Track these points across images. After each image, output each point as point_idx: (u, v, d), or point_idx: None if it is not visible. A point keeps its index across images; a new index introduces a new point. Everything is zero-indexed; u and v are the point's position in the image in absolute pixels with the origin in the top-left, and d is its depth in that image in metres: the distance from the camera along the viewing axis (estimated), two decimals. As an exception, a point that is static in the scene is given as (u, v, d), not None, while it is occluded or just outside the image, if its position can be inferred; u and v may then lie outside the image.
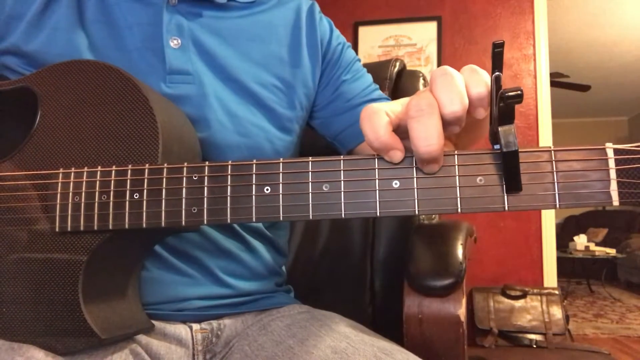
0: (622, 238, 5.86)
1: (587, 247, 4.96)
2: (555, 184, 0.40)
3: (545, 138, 2.81)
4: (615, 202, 0.39)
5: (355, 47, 3.06)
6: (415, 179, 0.42)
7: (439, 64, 2.94)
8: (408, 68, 1.18)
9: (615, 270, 5.88)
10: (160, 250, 0.62)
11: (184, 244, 0.64)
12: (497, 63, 0.39)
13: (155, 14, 0.65)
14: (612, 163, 0.39)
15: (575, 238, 5.13)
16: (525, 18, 2.91)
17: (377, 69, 1.15)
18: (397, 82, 1.13)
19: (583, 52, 5.21)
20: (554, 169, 0.40)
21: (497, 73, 0.39)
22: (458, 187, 0.41)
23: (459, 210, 0.40)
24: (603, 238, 6.11)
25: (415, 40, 3.00)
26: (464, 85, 0.41)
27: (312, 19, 0.78)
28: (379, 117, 0.42)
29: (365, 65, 0.85)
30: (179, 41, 0.65)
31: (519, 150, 0.39)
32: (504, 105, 0.38)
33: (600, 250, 4.97)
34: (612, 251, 4.95)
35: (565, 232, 6.10)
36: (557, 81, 4.70)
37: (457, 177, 0.41)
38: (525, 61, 2.88)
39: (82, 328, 0.48)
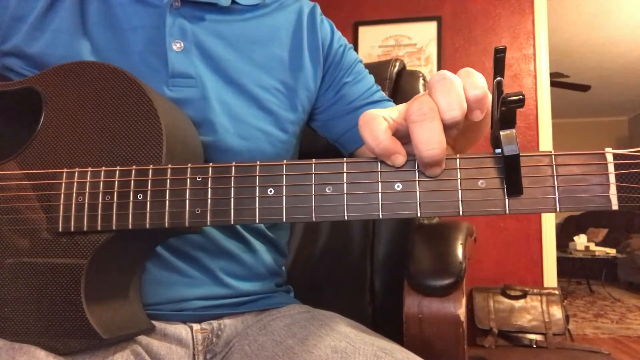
0: (622, 238, 5.86)
1: (587, 247, 4.96)
2: (556, 187, 0.40)
3: (545, 138, 2.81)
4: (615, 206, 0.40)
5: (355, 47, 3.06)
6: (417, 181, 0.42)
7: (439, 64, 2.94)
8: (408, 68, 1.18)
9: (615, 270, 5.88)
10: (161, 251, 0.63)
11: (184, 244, 0.64)
12: (498, 68, 0.39)
13: (158, 17, 0.65)
14: (611, 168, 0.40)
15: (575, 238, 5.13)
16: (525, 18, 2.91)
17: (377, 69, 1.15)
18: (397, 82, 1.13)
19: (583, 52, 5.21)
20: (555, 173, 0.40)
21: (498, 78, 0.39)
22: (460, 190, 0.41)
23: (461, 213, 0.41)
24: (603, 238, 6.11)
25: (415, 40, 3.00)
26: (462, 90, 0.41)
27: (313, 21, 0.78)
28: (377, 122, 0.42)
29: (365, 66, 0.85)
30: (182, 44, 0.65)
31: (520, 154, 0.40)
32: (506, 109, 0.38)
33: (600, 250, 4.97)
34: (612, 251, 4.95)
35: (565, 232, 6.10)
36: (557, 81, 4.69)
37: (459, 180, 0.41)
38: (525, 61, 2.88)
39: (84, 328, 0.48)
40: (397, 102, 1.12)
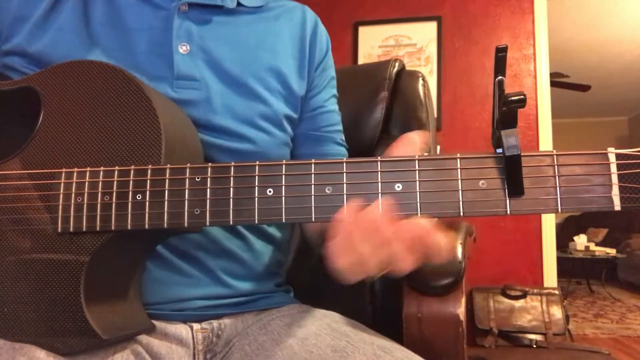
0: (622, 238, 5.86)
1: (587, 247, 4.96)
2: (557, 188, 0.40)
3: (545, 138, 2.81)
4: (617, 207, 0.39)
5: (355, 47, 3.06)
6: (417, 182, 0.42)
7: (439, 64, 2.94)
8: (408, 68, 1.18)
9: (615, 270, 5.88)
10: (162, 251, 0.62)
11: (185, 244, 0.64)
12: (500, 67, 0.39)
13: (165, 19, 0.66)
14: (614, 168, 0.39)
15: (575, 238, 5.12)
16: (525, 18, 2.91)
17: (376, 69, 1.16)
18: (397, 82, 1.13)
19: (583, 52, 5.21)
20: (556, 173, 0.40)
21: (500, 77, 0.39)
22: (460, 191, 0.41)
23: (461, 213, 0.40)
24: (603, 238, 6.11)
25: (415, 40, 3.00)
26: None
27: (314, 35, 0.79)
28: None
29: (365, 66, 0.85)
30: (188, 47, 0.65)
31: (522, 154, 0.40)
32: (507, 109, 0.38)
33: (600, 250, 4.97)
34: (612, 251, 4.95)
35: (565, 232, 6.09)
36: (557, 81, 4.69)
37: (459, 181, 0.41)
38: (525, 61, 2.88)
39: (84, 328, 0.48)
40: (396, 102, 1.12)
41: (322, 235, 0.60)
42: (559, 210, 0.40)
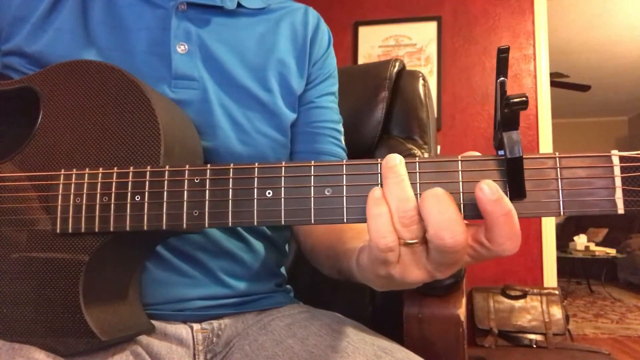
0: (622, 238, 5.86)
1: (587, 247, 4.96)
2: (560, 191, 0.39)
3: (545, 138, 2.81)
4: (621, 210, 0.38)
5: (355, 47, 3.06)
6: (418, 184, 0.41)
7: (439, 64, 2.94)
8: (408, 68, 1.18)
9: (615, 270, 5.88)
10: (162, 251, 0.62)
11: (185, 244, 0.64)
12: (502, 68, 0.38)
13: (164, 18, 0.66)
14: (617, 171, 0.39)
15: (575, 238, 5.13)
16: (525, 18, 2.91)
17: (376, 69, 1.16)
18: (397, 82, 1.14)
19: (583, 52, 5.21)
20: (559, 176, 0.39)
21: (502, 78, 0.38)
22: (462, 193, 0.40)
23: (462, 216, 0.40)
24: (603, 238, 6.11)
25: (415, 40, 3.00)
26: None
27: (316, 33, 0.79)
28: None
29: (365, 66, 0.85)
30: (186, 47, 0.65)
31: (524, 156, 0.39)
32: (509, 111, 0.37)
33: (600, 250, 4.98)
34: (612, 251, 4.95)
35: (565, 232, 6.10)
36: (557, 81, 4.70)
37: (460, 183, 0.41)
38: (525, 61, 2.88)
39: (83, 329, 0.48)
40: (396, 101, 1.12)
41: (342, 265, 0.58)
42: (562, 213, 0.39)
